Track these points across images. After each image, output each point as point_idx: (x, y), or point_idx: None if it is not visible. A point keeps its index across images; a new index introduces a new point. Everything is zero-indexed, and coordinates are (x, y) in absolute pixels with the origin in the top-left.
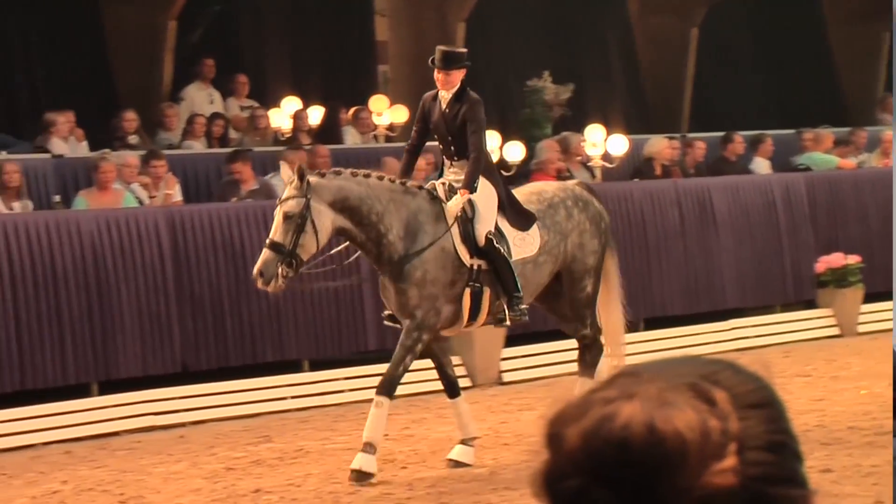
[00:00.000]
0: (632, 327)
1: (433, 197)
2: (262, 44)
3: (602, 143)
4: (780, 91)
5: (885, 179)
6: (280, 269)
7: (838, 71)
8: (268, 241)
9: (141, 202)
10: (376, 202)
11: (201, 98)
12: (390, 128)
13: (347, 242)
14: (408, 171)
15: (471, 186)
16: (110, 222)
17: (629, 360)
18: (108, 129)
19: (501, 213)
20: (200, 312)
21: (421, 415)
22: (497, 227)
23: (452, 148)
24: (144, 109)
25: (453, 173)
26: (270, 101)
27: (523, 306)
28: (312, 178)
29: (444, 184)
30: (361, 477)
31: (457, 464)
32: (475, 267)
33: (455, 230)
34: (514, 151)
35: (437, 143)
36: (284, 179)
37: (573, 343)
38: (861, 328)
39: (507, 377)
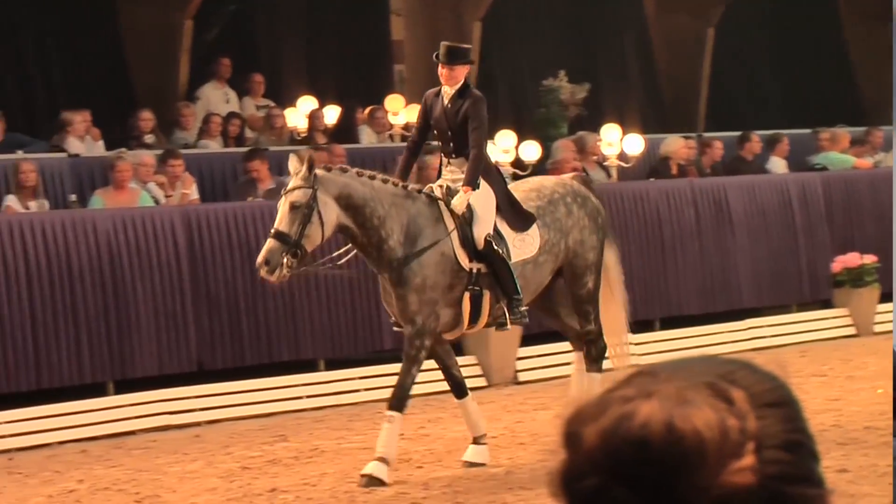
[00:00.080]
0: (647, 327)
1: (432, 200)
2: (277, 43)
3: (618, 142)
4: (797, 90)
5: None
6: (285, 260)
7: (855, 70)
8: (273, 230)
9: (157, 201)
10: (379, 205)
11: (217, 97)
12: (406, 127)
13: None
14: (407, 169)
15: (473, 183)
16: (126, 221)
17: (645, 360)
18: (125, 129)
19: (499, 215)
20: (216, 312)
21: (436, 414)
22: (496, 229)
23: (451, 144)
24: (160, 109)
25: (450, 172)
26: (286, 100)
27: (523, 308)
28: (319, 171)
29: (441, 186)
30: (372, 482)
31: (472, 464)
32: (474, 270)
33: (454, 234)
34: (530, 151)
35: (436, 139)
36: (291, 170)
37: None
38: (877, 328)
39: (522, 377)
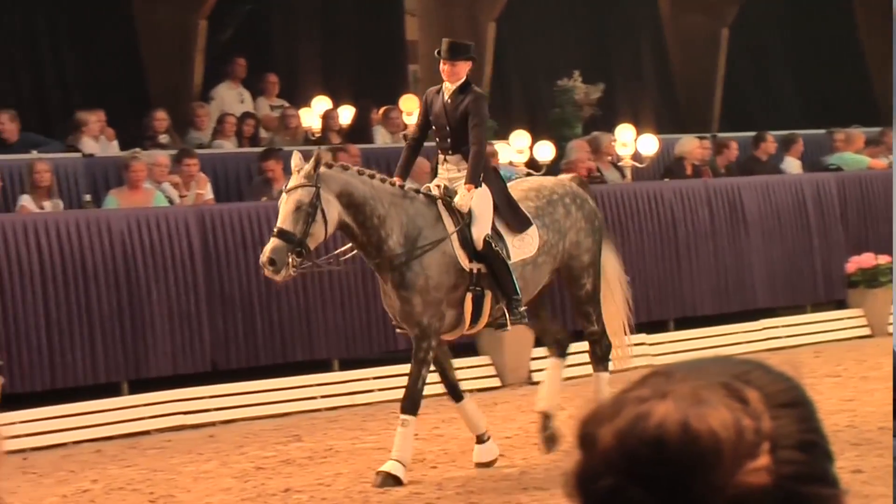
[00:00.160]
0: (662, 327)
1: (430, 199)
2: (292, 43)
3: (632, 142)
4: (812, 91)
5: None
6: (290, 258)
7: (870, 71)
8: (276, 228)
9: (171, 201)
10: (379, 205)
11: (231, 97)
12: None
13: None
14: (407, 168)
15: (475, 181)
16: (141, 221)
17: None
18: (139, 129)
19: (497, 215)
20: (230, 311)
21: (450, 414)
22: (495, 229)
23: (449, 140)
24: (175, 109)
25: (447, 170)
26: (301, 100)
27: (522, 308)
28: (321, 169)
29: (438, 186)
30: (388, 480)
31: (484, 464)
32: (475, 271)
33: (454, 235)
34: (545, 151)
35: (434, 135)
36: (292, 167)
37: None
38: (892, 328)
39: (536, 377)
